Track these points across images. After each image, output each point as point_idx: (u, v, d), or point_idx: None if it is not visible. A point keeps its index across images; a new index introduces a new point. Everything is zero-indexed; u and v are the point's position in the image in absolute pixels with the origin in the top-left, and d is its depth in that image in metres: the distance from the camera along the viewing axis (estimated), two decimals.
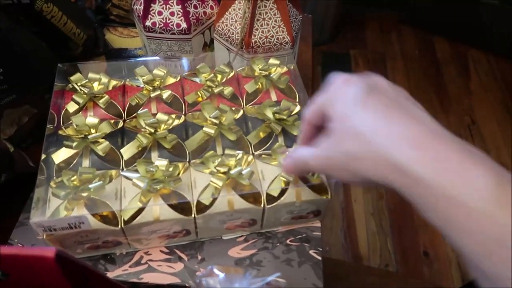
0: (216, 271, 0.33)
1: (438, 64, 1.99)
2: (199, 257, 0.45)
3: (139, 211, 0.40)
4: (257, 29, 0.55)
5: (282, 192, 0.43)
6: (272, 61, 0.52)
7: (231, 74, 0.53)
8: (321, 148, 0.32)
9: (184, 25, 0.57)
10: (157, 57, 0.60)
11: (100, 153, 0.43)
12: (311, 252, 0.45)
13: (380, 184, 0.28)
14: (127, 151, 0.44)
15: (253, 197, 0.43)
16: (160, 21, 0.57)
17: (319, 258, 0.45)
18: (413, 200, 0.26)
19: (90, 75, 0.49)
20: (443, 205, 0.24)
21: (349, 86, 0.30)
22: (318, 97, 0.33)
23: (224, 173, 0.42)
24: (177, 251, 0.45)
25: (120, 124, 0.47)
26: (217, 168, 0.42)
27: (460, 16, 1.96)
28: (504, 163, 1.57)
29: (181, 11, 0.56)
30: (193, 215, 0.41)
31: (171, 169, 0.42)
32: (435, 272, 1.27)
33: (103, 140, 0.44)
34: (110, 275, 0.43)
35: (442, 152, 0.25)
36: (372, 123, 0.28)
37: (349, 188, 1.49)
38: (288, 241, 0.46)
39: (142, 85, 0.50)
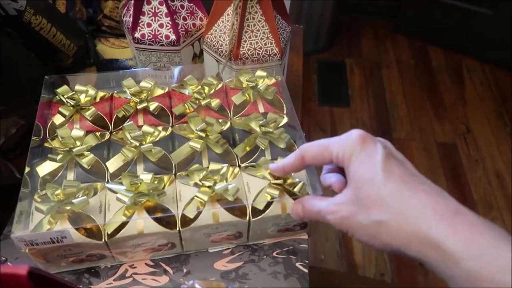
0: (197, 286, 0.33)
1: (433, 72, 2.00)
2: (185, 270, 0.44)
3: (123, 224, 0.40)
4: (245, 41, 0.55)
5: (268, 205, 0.43)
6: (259, 73, 0.53)
7: (219, 86, 0.53)
8: (340, 205, 0.32)
9: (173, 36, 0.57)
10: (146, 68, 0.60)
11: (85, 166, 0.43)
12: (297, 264, 0.45)
13: (408, 256, 0.28)
14: (113, 164, 0.44)
15: (238, 210, 0.42)
16: (149, 33, 0.57)
17: (306, 270, 0.45)
18: (443, 274, 0.27)
19: (77, 87, 0.49)
20: (473, 280, 0.25)
21: (371, 147, 0.30)
22: (327, 141, 0.33)
23: (209, 187, 0.41)
24: (163, 264, 0.45)
25: (107, 136, 0.47)
26: (202, 181, 0.42)
27: (454, 25, 1.98)
28: (499, 171, 1.57)
29: (170, 23, 0.57)
30: (178, 229, 0.41)
31: (156, 182, 0.41)
32: (430, 281, 1.27)
33: (88, 153, 0.44)
34: None
35: (471, 231, 0.26)
36: (398, 193, 0.28)
37: None
38: (274, 254, 0.46)
39: (129, 97, 0.50)
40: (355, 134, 0.31)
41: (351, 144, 0.31)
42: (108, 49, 0.74)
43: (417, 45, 2.13)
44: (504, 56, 1.92)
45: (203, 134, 0.46)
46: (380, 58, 2.06)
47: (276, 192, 0.41)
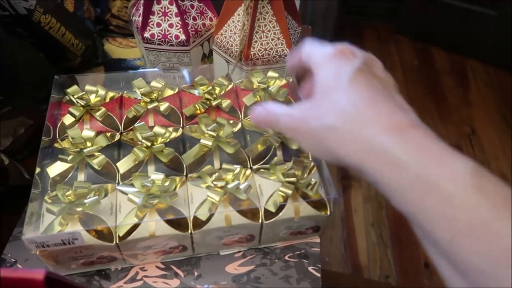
0: None
1: (437, 74, 1.99)
2: (196, 273, 0.44)
3: (135, 226, 0.40)
4: (256, 42, 0.54)
5: (281, 207, 0.42)
6: (270, 73, 0.52)
7: (230, 87, 0.53)
8: (297, 109, 0.31)
9: (182, 36, 0.56)
10: (155, 69, 0.59)
11: (96, 167, 0.43)
12: (310, 268, 0.45)
13: (348, 165, 0.28)
14: (123, 164, 0.44)
15: (251, 212, 0.42)
16: (159, 32, 0.57)
17: (318, 275, 0.44)
18: (384, 185, 0.26)
19: (87, 87, 0.48)
20: (418, 189, 0.24)
21: (344, 59, 0.30)
22: (309, 46, 0.32)
23: (221, 187, 0.41)
24: (173, 267, 0.44)
25: (117, 137, 0.47)
26: (214, 182, 0.41)
27: (457, 26, 1.97)
28: (504, 173, 1.56)
29: (180, 23, 0.56)
30: (189, 231, 0.40)
31: (167, 183, 0.41)
32: (436, 284, 1.26)
33: (99, 153, 0.43)
34: None
35: (423, 141, 0.25)
36: (357, 102, 0.27)
37: (349, 198, 1.49)
38: (286, 257, 0.45)
39: (139, 97, 0.49)
40: (333, 48, 0.31)
41: (327, 57, 0.30)
42: (115, 48, 0.74)
43: (420, 47, 2.12)
44: (508, 57, 1.91)
45: (214, 134, 0.45)
46: (383, 60, 2.05)
47: (289, 191, 0.41)
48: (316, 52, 0.32)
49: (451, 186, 0.23)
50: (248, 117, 0.50)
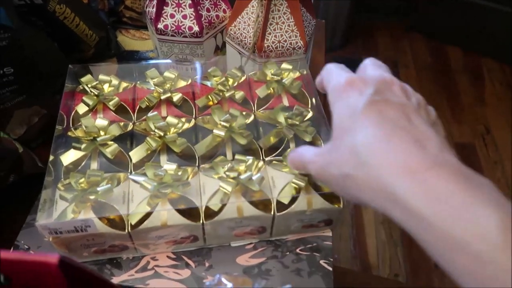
0: (224, 280, 0.32)
1: (451, 72, 1.96)
2: (207, 264, 0.44)
3: (147, 215, 0.40)
4: (270, 34, 0.54)
5: (293, 199, 0.42)
6: (284, 65, 0.52)
7: (243, 78, 0.53)
8: (320, 155, 0.30)
9: (196, 28, 0.56)
10: (168, 60, 0.59)
11: (109, 155, 0.43)
12: (321, 262, 0.44)
13: (375, 209, 0.26)
14: (136, 154, 0.44)
15: (263, 204, 0.42)
16: (172, 24, 0.56)
17: (330, 268, 0.44)
18: (412, 235, 0.24)
19: (101, 77, 0.49)
20: (444, 245, 0.22)
21: (354, 93, 0.28)
22: (326, 73, 0.32)
23: (233, 178, 0.41)
24: (185, 257, 0.44)
25: (130, 127, 0.47)
26: (226, 173, 0.41)
27: (472, 23, 1.94)
28: None
29: (194, 14, 0.56)
30: (201, 221, 0.40)
31: (180, 173, 0.41)
32: (447, 284, 1.24)
33: (112, 142, 0.44)
34: (116, 280, 0.42)
35: (445, 189, 0.22)
36: (370, 143, 0.25)
37: None
38: (298, 250, 0.45)
39: (152, 88, 0.49)
40: (343, 79, 0.30)
41: (338, 91, 0.29)
42: (128, 40, 0.74)
43: (435, 44, 2.09)
44: None
45: (227, 125, 0.45)
46: (396, 58, 2.03)
47: (302, 183, 0.40)
48: (330, 86, 0.31)
49: (479, 244, 0.21)
50: (261, 108, 0.50)
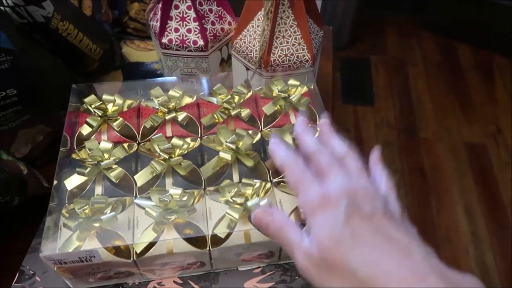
0: None
1: (461, 70, 1.93)
2: None
3: (152, 243, 0.39)
4: (276, 47, 0.53)
5: (303, 224, 0.40)
6: (291, 81, 0.50)
7: (249, 95, 0.51)
8: (311, 258, 0.29)
9: (201, 42, 0.55)
10: (173, 78, 0.58)
11: (113, 180, 0.42)
12: None
13: None
14: (141, 177, 0.43)
15: None
16: (177, 38, 0.55)
17: None
18: None
19: (104, 96, 0.48)
20: None
21: (326, 212, 0.28)
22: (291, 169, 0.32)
23: (240, 204, 0.40)
24: (191, 282, 0.43)
25: (135, 148, 0.46)
26: (233, 198, 0.40)
27: (483, 20, 1.90)
28: None
29: (198, 28, 0.55)
30: (208, 248, 0.39)
31: (185, 198, 0.40)
32: None
33: (116, 166, 0.43)
34: None
35: None
36: (366, 261, 0.26)
37: None
38: None
39: (157, 107, 0.48)
40: (313, 194, 0.29)
41: (310, 206, 0.30)
42: (133, 51, 0.73)
43: (444, 42, 2.06)
44: None
45: (233, 146, 0.44)
46: (405, 55, 2.00)
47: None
48: (301, 199, 0.31)
49: None
50: (268, 126, 0.49)
